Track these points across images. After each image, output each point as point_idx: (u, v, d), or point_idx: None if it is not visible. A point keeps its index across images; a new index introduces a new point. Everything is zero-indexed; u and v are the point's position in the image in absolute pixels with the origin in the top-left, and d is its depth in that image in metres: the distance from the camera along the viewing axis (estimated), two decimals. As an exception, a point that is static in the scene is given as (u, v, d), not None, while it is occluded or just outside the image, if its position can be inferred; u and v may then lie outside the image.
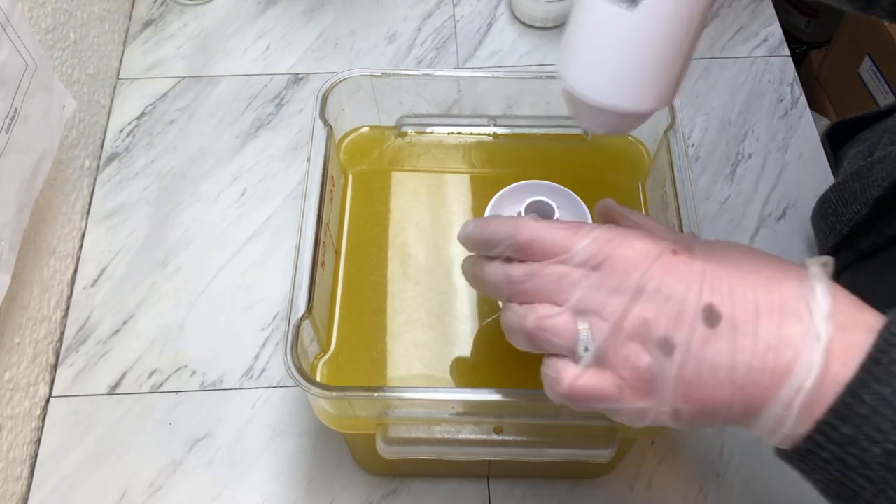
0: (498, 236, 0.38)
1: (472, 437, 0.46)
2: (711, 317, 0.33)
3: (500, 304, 0.45)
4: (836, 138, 0.74)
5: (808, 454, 0.33)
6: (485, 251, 0.39)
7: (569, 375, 0.35)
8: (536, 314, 0.35)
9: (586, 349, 0.34)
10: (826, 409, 0.32)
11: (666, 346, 0.33)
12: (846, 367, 0.31)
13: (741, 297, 0.33)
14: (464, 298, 0.52)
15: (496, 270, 0.38)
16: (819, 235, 0.66)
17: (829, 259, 0.35)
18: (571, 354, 0.35)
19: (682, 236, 0.37)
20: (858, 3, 0.45)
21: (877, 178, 0.58)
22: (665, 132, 0.53)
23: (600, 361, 0.34)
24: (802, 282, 0.33)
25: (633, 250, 0.34)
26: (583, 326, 0.34)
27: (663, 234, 0.37)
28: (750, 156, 0.75)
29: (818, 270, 0.34)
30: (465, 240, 0.41)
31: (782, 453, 0.35)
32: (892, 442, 0.31)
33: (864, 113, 0.70)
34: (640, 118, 0.37)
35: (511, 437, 0.46)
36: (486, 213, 0.50)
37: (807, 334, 0.32)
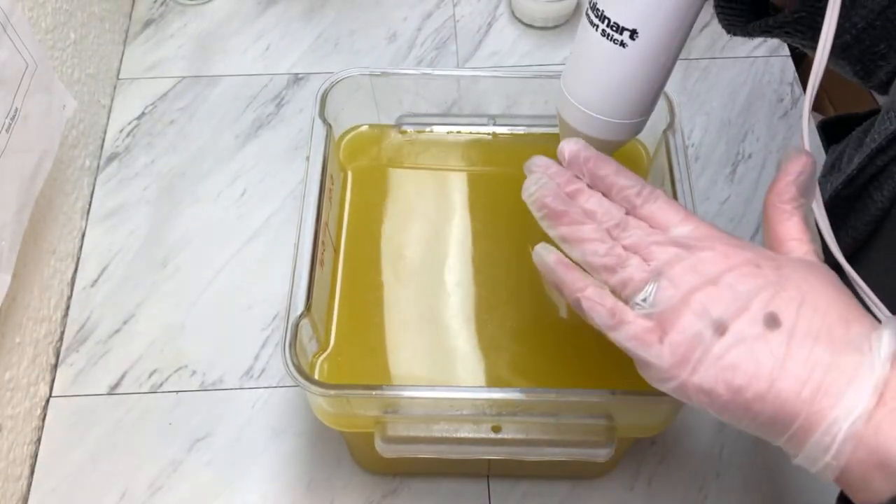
0: (629, 179, 0.40)
1: (471, 435, 0.46)
2: (772, 322, 0.34)
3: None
4: (832, 133, 0.74)
5: None
6: (603, 187, 0.40)
7: (622, 311, 0.37)
8: (622, 260, 0.38)
9: (644, 300, 0.36)
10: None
11: (720, 328, 0.35)
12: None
13: (806, 319, 0.34)
14: (463, 296, 0.52)
15: (602, 202, 0.40)
16: None
17: None
18: (627, 300, 0.37)
19: (767, 253, 0.38)
20: (860, 72, 0.47)
21: None
22: (664, 132, 0.53)
23: (656, 318, 0.36)
24: (873, 327, 0.34)
25: (722, 250, 0.37)
26: (652, 284, 0.37)
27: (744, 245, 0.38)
28: (750, 156, 0.75)
29: (893, 323, 0.34)
30: (590, 164, 0.41)
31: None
32: None
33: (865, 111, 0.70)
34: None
35: (510, 436, 0.46)
36: None
37: (862, 366, 0.32)
